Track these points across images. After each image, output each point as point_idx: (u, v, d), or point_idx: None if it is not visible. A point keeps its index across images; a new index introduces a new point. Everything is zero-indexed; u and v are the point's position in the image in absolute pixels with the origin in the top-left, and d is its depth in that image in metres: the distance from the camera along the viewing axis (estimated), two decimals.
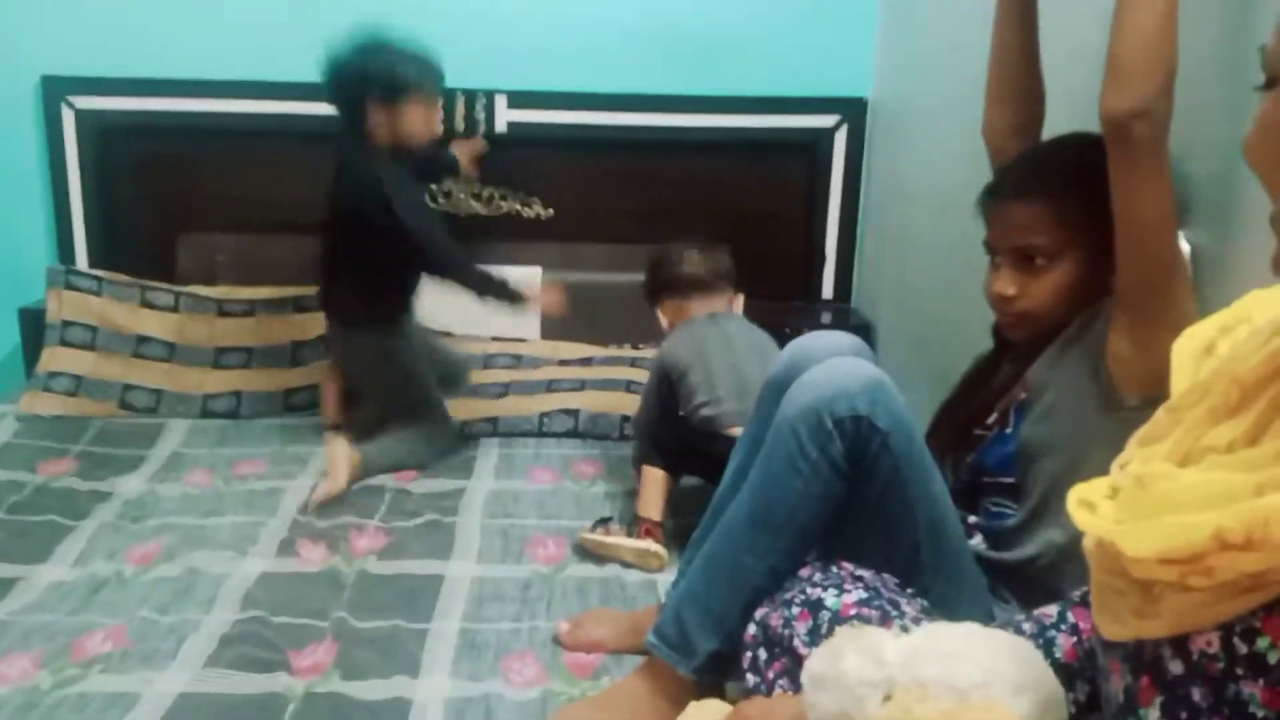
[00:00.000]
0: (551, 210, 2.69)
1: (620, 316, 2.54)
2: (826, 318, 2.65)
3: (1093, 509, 0.69)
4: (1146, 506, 0.64)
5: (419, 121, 2.04)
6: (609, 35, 2.57)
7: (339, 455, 1.92)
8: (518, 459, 2.11)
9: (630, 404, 2.18)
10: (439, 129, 2.20)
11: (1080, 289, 1.21)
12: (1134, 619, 0.64)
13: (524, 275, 2.55)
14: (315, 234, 2.46)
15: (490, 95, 2.58)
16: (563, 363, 2.46)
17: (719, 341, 1.82)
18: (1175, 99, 1.07)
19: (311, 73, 2.46)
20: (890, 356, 2.48)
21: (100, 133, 2.54)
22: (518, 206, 2.70)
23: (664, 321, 1.99)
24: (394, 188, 1.97)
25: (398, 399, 2.13)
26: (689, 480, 1.85)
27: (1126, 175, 1.06)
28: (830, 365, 1.24)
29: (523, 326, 2.57)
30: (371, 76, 1.98)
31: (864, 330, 2.57)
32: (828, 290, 2.74)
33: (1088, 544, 0.71)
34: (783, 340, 1.60)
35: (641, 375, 2.36)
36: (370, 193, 1.96)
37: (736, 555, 1.25)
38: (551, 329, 2.57)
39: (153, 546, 1.70)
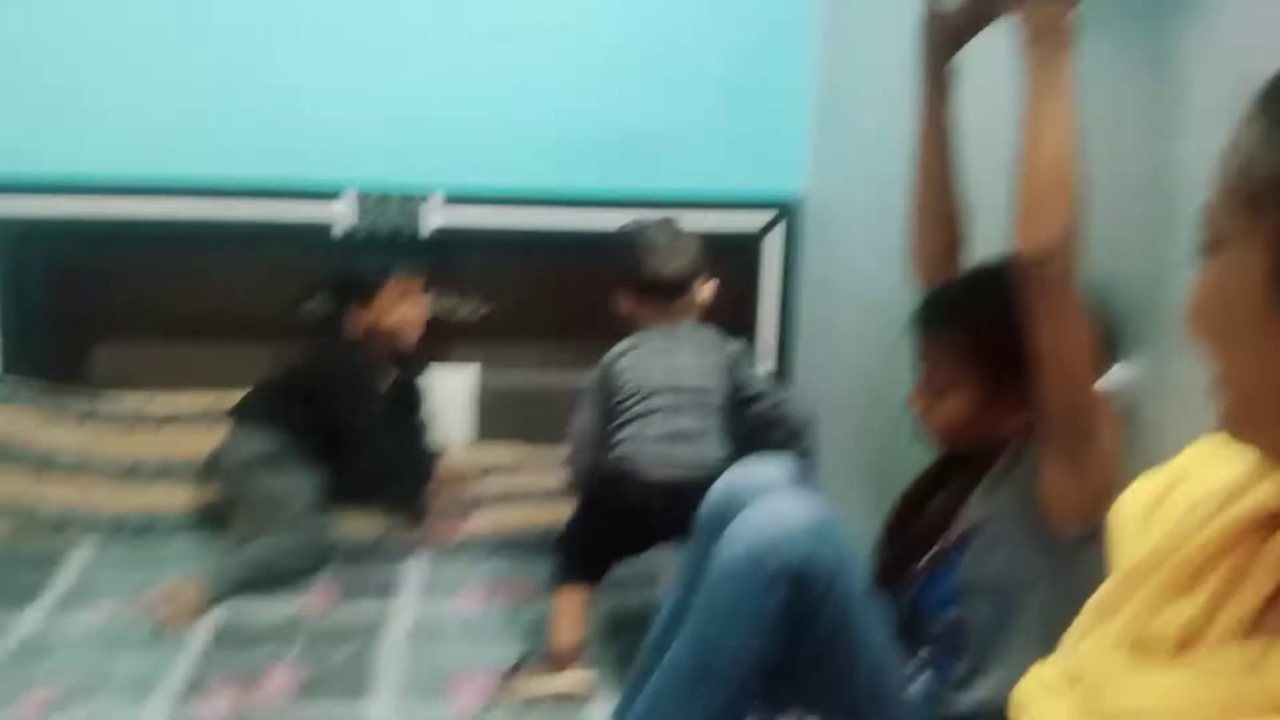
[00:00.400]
0: (486, 309, 2.65)
1: (558, 415, 2.48)
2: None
3: (1056, 695, 0.69)
4: (1106, 711, 0.63)
5: (392, 312, 2.18)
6: (542, 134, 2.56)
7: (176, 591, 1.85)
8: (445, 579, 2.02)
9: (561, 514, 2.12)
10: (420, 312, 2.26)
11: (982, 421, 1.22)
12: None
13: (460, 373, 2.51)
14: (249, 343, 2.40)
15: (421, 196, 2.54)
16: (489, 471, 2.38)
17: (665, 374, 1.78)
18: (1110, 229, 1.07)
19: (230, 171, 2.45)
20: (830, 456, 2.45)
21: (12, 236, 2.44)
22: (451, 305, 2.64)
23: (622, 310, 1.92)
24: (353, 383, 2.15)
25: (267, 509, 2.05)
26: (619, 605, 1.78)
27: (1044, 314, 1.06)
28: (769, 507, 1.20)
29: (454, 431, 2.50)
30: (339, 284, 2.23)
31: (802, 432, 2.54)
32: None
33: None
34: None
35: None
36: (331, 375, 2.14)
37: (679, 709, 1.20)
38: (485, 432, 2.50)
39: (49, 693, 1.58)
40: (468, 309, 2.62)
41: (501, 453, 2.45)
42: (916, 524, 1.34)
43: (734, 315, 2.67)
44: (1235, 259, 0.58)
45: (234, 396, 2.24)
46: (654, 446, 1.71)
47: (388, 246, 2.48)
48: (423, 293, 2.26)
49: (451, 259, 2.55)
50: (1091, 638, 0.71)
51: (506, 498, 2.27)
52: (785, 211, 2.63)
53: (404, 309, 2.20)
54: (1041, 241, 1.03)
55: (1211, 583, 0.65)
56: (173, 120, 2.43)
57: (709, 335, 1.91)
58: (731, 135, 2.60)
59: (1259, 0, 1.07)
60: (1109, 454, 1.09)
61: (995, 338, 1.15)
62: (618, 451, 1.73)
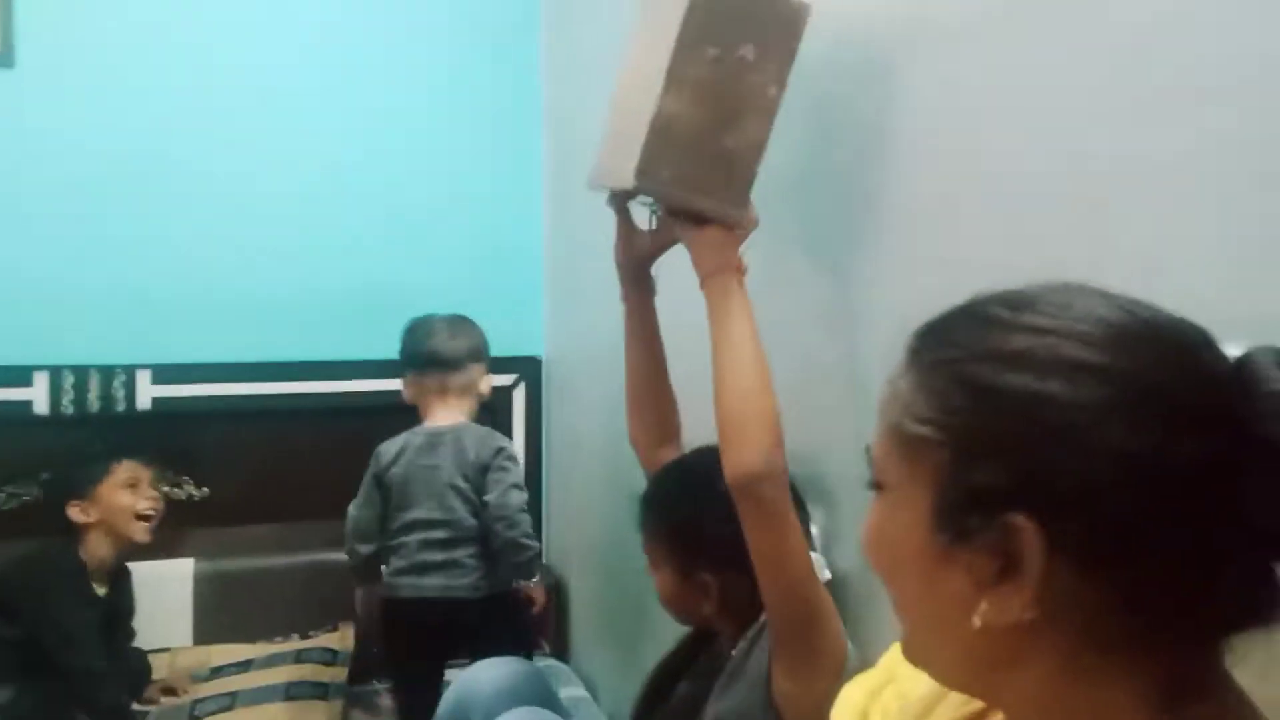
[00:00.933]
0: (206, 490, 2.43)
1: (288, 603, 2.31)
2: None
3: None
4: None
5: (119, 498, 2.00)
6: (262, 299, 2.44)
7: None
8: None
9: (290, 714, 1.97)
10: (149, 500, 2.06)
11: (686, 601, 1.24)
12: None
13: (175, 569, 2.28)
14: None
15: (130, 370, 2.34)
16: (215, 672, 2.14)
17: (425, 494, 1.92)
18: (810, 432, 1.11)
19: None
20: (582, 614, 2.39)
21: None
22: (165, 488, 2.41)
23: (405, 395, 2.05)
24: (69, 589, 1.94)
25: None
26: None
27: (761, 531, 1.07)
28: None
29: (173, 629, 2.24)
30: (55, 483, 2.06)
31: (556, 589, 2.47)
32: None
33: None
34: None
35: (307, 672, 2.12)
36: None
37: None
38: (206, 630, 2.26)
39: None
40: (184, 492, 2.41)
41: (225, 652, 2.21)
42: (664, 709, 1.30)
43: None
44: (899, 500, 0.61)
45: None
46: (407, 578, 1.92)
47: (97, 425, 2.26)
48: (152, 483, 2.08)
49: (164, 437, 2.35)
50: None
51: (233, 703, 2.03)
52: (528, 370, 2.62)
53: (132, 501, 2.01)
54: (747, 466, 1.05)
55: None
56: None
57: (473, 436, 1.99)
58: (473, 300, 2.56)
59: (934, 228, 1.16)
60: (836, 654, 1.10)
61: (681, 527, 1.22)
62: (385, 578, 1.96)
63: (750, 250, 1.19)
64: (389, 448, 1.99)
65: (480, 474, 1.94)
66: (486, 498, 1.93)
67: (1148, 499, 0.51)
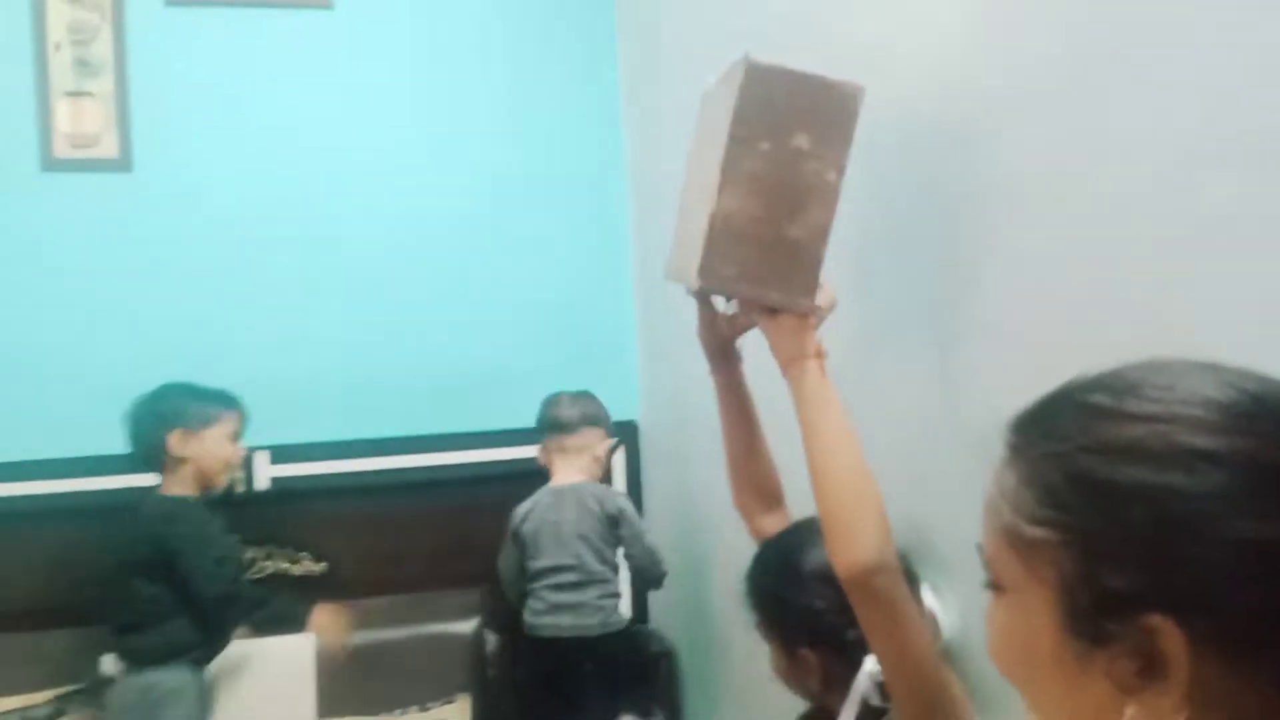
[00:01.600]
0: (324, 564, 2.52)
1: (407, 675, 2.35)
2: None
3: None
4: None
5: (222, 447, 2.11)
6: (372, 381, 2.54)
7: None
8: None
9: None
10: (241, 453, 2.19)
11: (796, 679, 1.23)
12: None
13: (297, 644, 2.35)
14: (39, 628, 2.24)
15: (250, 452, 2.44)
16: None
17: (553, 545, 2.20)
18: (918, 495, 1.09)
19: (37, 450, 2.32)
20: (694, 680, 2.39)
21: None
22: (285, 564, 2.51)
23: (539, 458, 2.33)
24: (188, 520, 2.04)
25: None
26: None
27: (878, 622, 1.03)
28: None
29: (297, 704, 2.30)
30: (169, 409, 2.08)
31: (666, 657, 2.48)
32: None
33: None
34: None
35: None
36: (163, 521, 2.04)
37: None
38: (329, 703, 2.31)
39: None
40: (302, 568, 2.49)
41: None
42: None
43: None
44: (1022, 603, 0.59)
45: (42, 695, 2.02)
46: (544, 619, 2.20)
47: (221, 506, 2.37)
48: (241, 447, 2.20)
49: (283, 516, 2.45)
50: None
51: None
52: (626, 434, 2.65)
53: (231, 451, 2.16)
54: (857, 562, 1.01)
55: None
56: None
57: (593, 491, 2.26)
58: (570, 368, 2.64)
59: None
60: None
61: (776, 604, 1.23)
62: (525, 619, 2.23)
63: (842, 320, 1.19)
64: (522, 506, 2.27)
65: (607, 525, 2.22)
66: (630, 551, 2.24)
67: None
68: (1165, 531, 0.53)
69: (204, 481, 2.12)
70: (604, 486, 2.32)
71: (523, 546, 2.24)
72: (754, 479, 1.40)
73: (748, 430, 1.39)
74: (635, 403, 2.67)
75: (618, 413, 2.64)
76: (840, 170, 1.12)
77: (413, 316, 2.57)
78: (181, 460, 2.09)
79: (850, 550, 1.01)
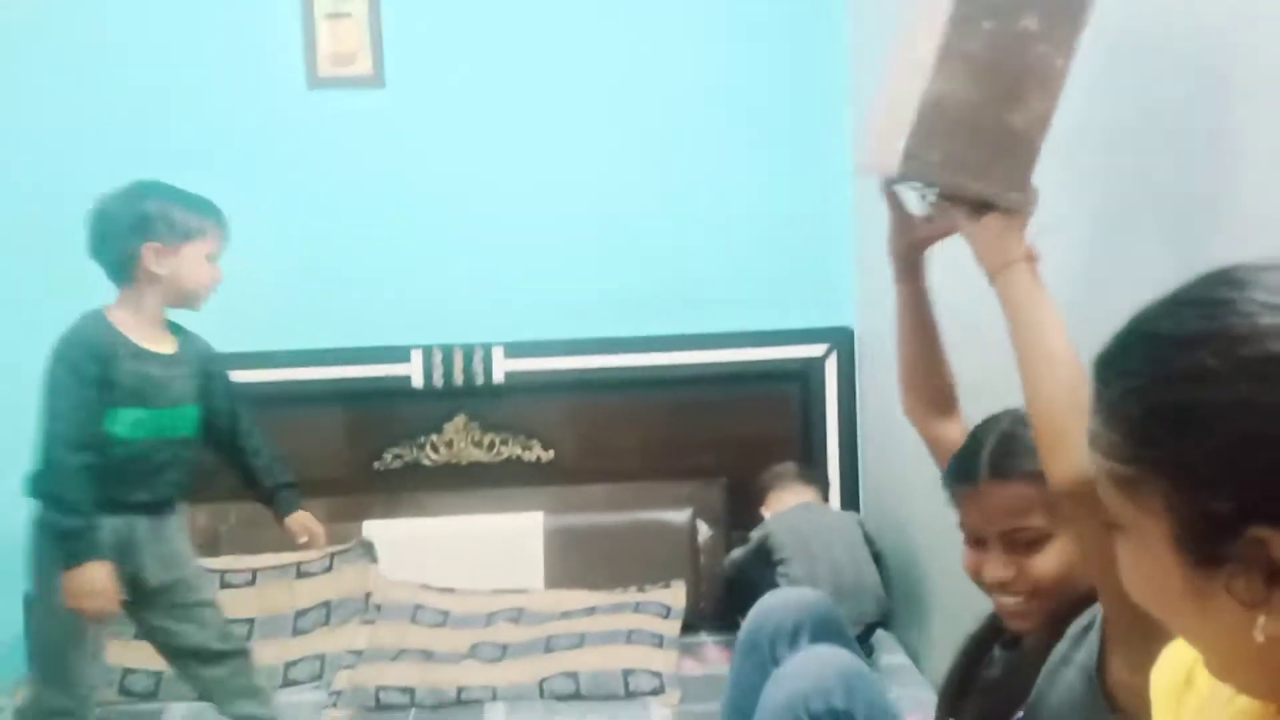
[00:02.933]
0: (552, 452, 2.72)
1: (625, 557, 2.51)
2: None
3: None
4: None
5: (200, 266, 1.81)
6: (599, 284, 2.67)
7: None
8: None
9: (631, 656, 2.19)
10: (218, 277, 1.87)
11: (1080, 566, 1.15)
12: None
13: (529, 522, 2.56)
14: (313, 496, 2.54)
15: (488, 348, 2.66)
16: (565, 614, 2.40)
17: (817, 536, 2.25)
18: None
19: (311, 340, 2.62)
20: (902, 583, 2.42)
21: None
22: (519, 451, 2.72)
23: (766, 514, 2.42)
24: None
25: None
26: None
27: (1095, 533, 0.96)
28: (808, 656, 1.23)
29: (529, 575, 2.53)
30: (149, 217, 1.77)
31: (876, 559, 2.52)
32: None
33: None
34: None
35: (645, 622, 2.31)
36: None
37: None
38: (555, 576, 2.53)
39: None
40: (534, 455, 2.70)
41: (573, 597, 2.47)
42: (975, 690, 1.29)
43: (800, 441, 2.71)
44: (1139, 539, 0.62)
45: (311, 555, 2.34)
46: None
47: (459, 396, 2.62)
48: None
49: (516, 407, 2.66)
50: None
51: (582, 642, 2.28)
52: (840, 340, 2.67)
53: (208, 272, 1.84)
54: (1073, 473, 0.95)
55: None
56: (271, 301, 2.59)
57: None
58: (785, 272, 2.67)
59: None
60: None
61: None
62: None
63: (1055, 218, 1.14)
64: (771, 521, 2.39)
65: None
66: None
67: None
68: (1249, 446, 0.54)
69: (173, 303, 1.85)
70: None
71: (780, 552, 2.27)
72: (930, 389, 1.39)
73: (928, 342, 1.38)
74: (850, 309, 2.67)
75: (832, 318, 2.67)
76: (1069, 55, 1.07)
77: (634, 225, 2.67)
78: (154, 278, 1.79)
79: (1067, 462, 0.97)
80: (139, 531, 1.79)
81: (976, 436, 1.23)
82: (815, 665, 1.23)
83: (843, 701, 1.20)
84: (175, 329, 1.88)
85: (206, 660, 1.91)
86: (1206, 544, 0.57)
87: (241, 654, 1.96)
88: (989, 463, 1.19)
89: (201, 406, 1.87)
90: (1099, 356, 0.64)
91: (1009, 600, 1.18)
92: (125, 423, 1.75)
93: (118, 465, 1.74)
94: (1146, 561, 0.62)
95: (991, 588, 1.19)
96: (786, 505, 2.41)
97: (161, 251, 1.77)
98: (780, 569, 2.21)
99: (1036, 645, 1.19)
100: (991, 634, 1.31)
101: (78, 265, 1.83)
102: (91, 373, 1.72)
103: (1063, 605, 1.16)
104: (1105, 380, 0.62)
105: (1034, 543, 1.15)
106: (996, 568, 1.17)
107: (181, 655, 1.92)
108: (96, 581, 1.68)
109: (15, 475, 1.80)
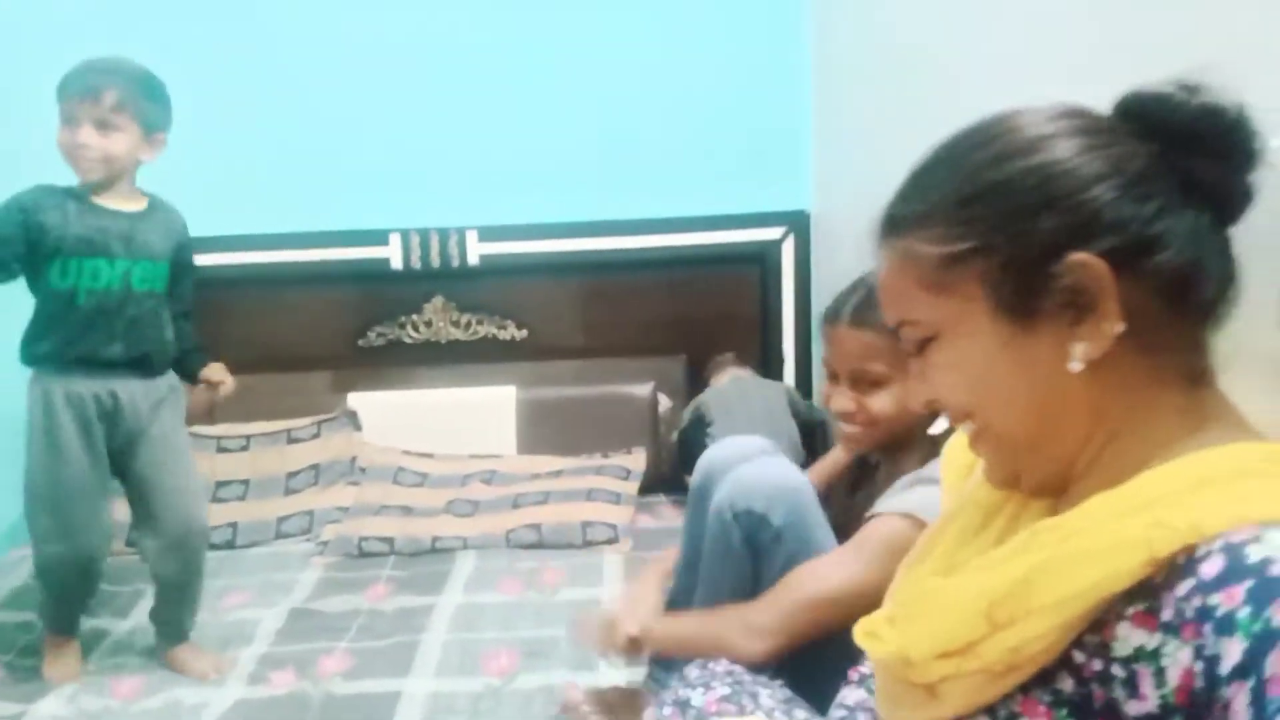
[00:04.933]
0: (525, 331, 2.88)
1: (591, 426, 2.70)
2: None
3: (877, 636, 0.80)
4: (921, 615, 0.74)
5: (62, 134, 1.74)
6: (565, 170, 2.79)
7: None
8: (488, 571, 2.23)
9: (590, 511, 2.40)
10: (75, 154, 1.75)
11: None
12: (919, 711, 0.74)
13: (502, 394, 2.75)
14: (301, 370, 2.71)
15: (461, 231, 2.79)
16: (534, 476, 2.59)
17: (741, 400, 2.45)
18: None
19: (296, 224, 2.76)
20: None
21: None
22: (494, 330, 2.89)
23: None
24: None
25: None
26: None
27: None
28: (749, 467, 1.39)
29: (502, 442, 2.72)
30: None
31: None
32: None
33: (877, 667, 0.81)
34: None
35: (606, 483, 2.51)
36: None
37: None
38: (526, 444, 2.72)
39: (137, 681, 1.85)
40: (508, 333, 2.87)
41: (543, 462, 2.66)
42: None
43: (758, 321, 2.86)
44: (956, 333, 0.72)
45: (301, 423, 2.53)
46: None
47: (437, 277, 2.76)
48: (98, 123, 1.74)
49: (490, 288, 2.81)
50: (904, 583, 0.85)
51: (546, 499, 2.48)
52: (796, 223, 2.80)
53: (67, 138, 1.74)
54: None
55: (998, 521, 0.81)
56: (256, 186, 2.75)
57: None
58: (741, 156, 2.78)
59: None
60: None
61: None
62: None
63: None
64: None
65: None
66: None
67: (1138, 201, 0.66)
68: (1050, 188, 0.66)
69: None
70: None
71: (708, 416, 2.48)
72: None
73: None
74: (808, 193, 2.79)
75: (789, 202, 2.79)
76: None
77: (599, 112, 2.77)
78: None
79: None
80: (122, 393, 1.82)
81: (854, 285, 1.39)
82: (750, 476, 1.37)
83: (762, 506, 1.33)
84: (151, 198, 1.89)
85: (159, 542, 1.90)
86: (1026, 293, 0.67)
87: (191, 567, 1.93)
88: (851, 310, 1.37)
89: (168, 265, 1.87)
90: (886, 209, 0.75)
91: (848, 428, 1.38)
92: (82, 272, 1.76)
93: (85, 317, 1.77)
94: (966, 351, 0.71)
95: (837, 416, 1.39)
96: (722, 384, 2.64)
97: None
98: (709, 430, 2.40)
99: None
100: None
101: None
102: (23, 202, 1.75)
103: (893, 438, 1.36)
104: (907, 207, 0.74)
105: (876, 384, 1.34)
106: (842, 400, 1.37)
107: (139, 521, 1.92)
108: None
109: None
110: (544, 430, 2.71)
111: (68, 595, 1.93)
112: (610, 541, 2.33)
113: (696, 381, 2.78)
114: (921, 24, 1.97)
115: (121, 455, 1.87)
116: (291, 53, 2.71)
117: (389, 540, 2.36)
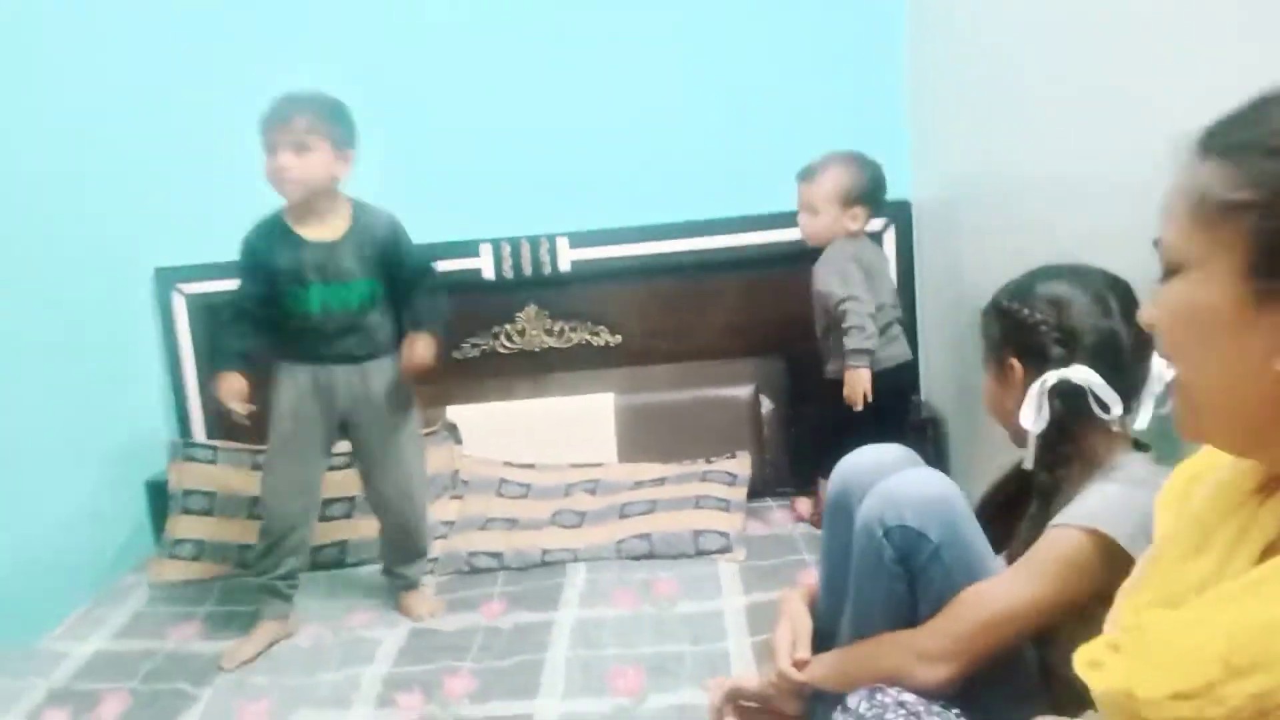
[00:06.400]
0: (619, 337, 2.84)
1: (692, 431, 2.65)
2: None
3: (1100, 666, 0.75)
4: (1151, 651, 0.70)
5: (268, 162, 1.96)
6: (654, 171, 2.74)
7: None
8: (600, 584, 2.20)
9: (700, 519, 2.34)
10: (277, 178, 1.97)
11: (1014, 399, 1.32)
12: None
13: (601, 402, 2.71)
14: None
15: (552, 238, 2.76)
16: (638, 484, 2.55)
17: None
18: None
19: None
20: (960, 453, 2.50)
21: (207, 314, 2.80)
22: (587, 336, 2.85)
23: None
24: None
25: None
26: None
27: None
28: (896, 479, 1.32)
29: (602, 451, 2.68)
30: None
31: (934, 424, 2.61)
32: None
33: (1100, 700, 0.76)
34: None
35: (712, 489, 2.45)
36: None
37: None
38: (627, 452, 2.68)
39: (261, 706, 1.84)
40: (601, 340, 2.83)
41: (645, 469, 2.62)
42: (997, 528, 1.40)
43: None
44: (1200, 274, 0.69)
45: None
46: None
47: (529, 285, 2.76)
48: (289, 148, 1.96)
49: (582, 294, 2.78)
50: (1125, 611, 0.80)
51: (653, 508, 2.43)
52: (898, 214, 2.71)
53: (268, 163, 1.97)
54: None
55: (1219, 541, 0.75)
56: None
57: None
58: (841, 147, 2.70)
59: None
60: None
61: (996, 318, 1.37)
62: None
63: None
64: None
65: None
66: None
67: None
68: None
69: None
70: None
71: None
72: None
73: None
74: (907, 183, 2.70)
75: (890, 194, 2.69)
76: None
77: (692, 111, 2.72)
78: None
79: None
80: (337, 375, 2.07)
81: None
82: (899, 488, 1.30)
83: (915, 520, 1.25)
84: (356, 210, 2.08)
85: (377, 507, 2.19)
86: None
87: (410, 519, 2.19)
88: None
89: (373, 280, 2.06)
90: (1211, 125, 0.70)
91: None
92: (299, 299, 2.02)
93: (302, 330, 2.05)
94: (1200, 295, 0.69)
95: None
96: None
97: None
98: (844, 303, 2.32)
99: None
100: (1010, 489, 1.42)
101: None
102: (246, 263, 2.06)
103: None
104: (1225, 135, 0.69)
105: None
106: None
107: (370, 490, 2.20)
108: (229, 381, 2.05)
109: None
110: (644, 437, 2.67)
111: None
112: (724, 550, 2.28)
113: (797, 381, 2.71)
114: (1020, 7, 1.89)
115: (345, 424, 2.13)
116: (376, 68, 2.70)
117: (498, 555, 2.34)
